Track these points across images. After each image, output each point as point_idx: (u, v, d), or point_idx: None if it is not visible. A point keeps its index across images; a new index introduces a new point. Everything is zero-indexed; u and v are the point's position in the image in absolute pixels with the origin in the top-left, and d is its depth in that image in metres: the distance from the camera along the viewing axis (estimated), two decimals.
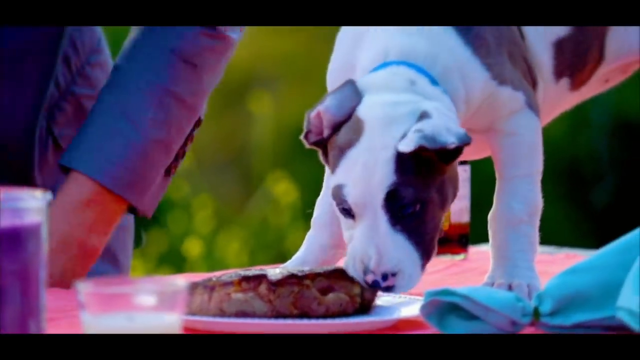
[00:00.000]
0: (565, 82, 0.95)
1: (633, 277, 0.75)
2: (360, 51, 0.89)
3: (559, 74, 0.95)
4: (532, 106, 0.90)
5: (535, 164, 0.92)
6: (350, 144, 0.82)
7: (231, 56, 1.08)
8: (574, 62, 0.95)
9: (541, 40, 0.93)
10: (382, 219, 0.81)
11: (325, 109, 0.83)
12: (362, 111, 0.82)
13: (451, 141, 0.79)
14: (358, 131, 0.82)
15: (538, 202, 0.92)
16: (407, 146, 0.79)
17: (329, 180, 0.87)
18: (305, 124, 0.85)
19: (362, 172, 0.81)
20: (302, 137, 0.85)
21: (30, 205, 0.65)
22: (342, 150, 0.82)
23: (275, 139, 3.11)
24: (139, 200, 1.02)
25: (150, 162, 1.01)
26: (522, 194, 0.91)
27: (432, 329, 0.79)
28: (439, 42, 0.87)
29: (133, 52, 1.03)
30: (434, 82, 0.85)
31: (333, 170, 0.84)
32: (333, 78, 0.92)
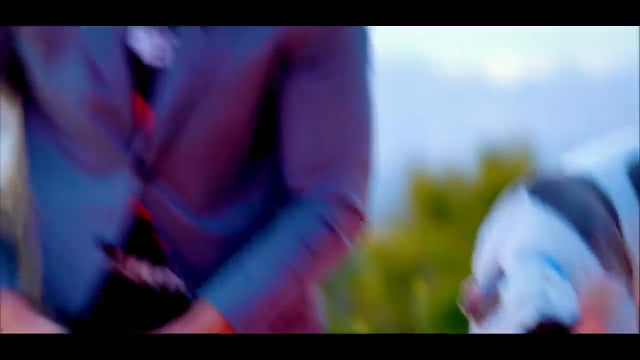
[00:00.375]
0: None
1: None
2: (504, 248, 1.05)
3: None
4: (631, 293, 1.07)
5: None
6: (490, 313, 1.01)
7: (340, 259, 1.02)
8: None
9: (635, 242, 1.09)
10: None
11: (478, 289, 1.03)
12: (504, 289, 1.01)
13: (566, 319, 0.97)
14: (497, 305, 1.00)
15: None
16: (531, 321, 0.98)
17: None
18: (464, 305, 1.05)
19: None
20: (464, 311, 1.04)
21: None
22: (484, 317, 1.02)
23: (434, 322, 3.39)
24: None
25: (260, 315, 0.97)
26: None
27: None
28: (568, 245, 1.03)
29: (269, 229, 0.99)
30: (563, 275, 1.01)
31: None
32: (481, 269, 1.07)
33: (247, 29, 0.92)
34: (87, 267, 0.96)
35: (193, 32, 0.92)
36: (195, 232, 0.97)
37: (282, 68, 0.94)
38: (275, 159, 0.98)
